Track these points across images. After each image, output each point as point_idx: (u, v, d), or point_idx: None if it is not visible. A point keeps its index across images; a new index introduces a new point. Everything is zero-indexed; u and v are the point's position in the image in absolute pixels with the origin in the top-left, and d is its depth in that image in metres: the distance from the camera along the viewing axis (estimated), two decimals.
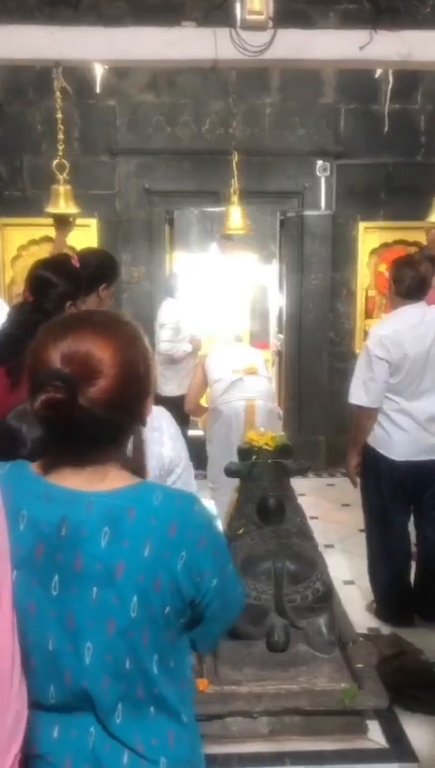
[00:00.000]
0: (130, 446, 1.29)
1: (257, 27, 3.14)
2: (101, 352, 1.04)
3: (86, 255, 2.93)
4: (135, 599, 1.03)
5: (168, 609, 1.06)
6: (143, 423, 1.17)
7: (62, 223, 3.31)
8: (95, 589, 1.03)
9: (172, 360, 5.40)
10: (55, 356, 1.03)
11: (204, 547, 1.08)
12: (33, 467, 1.11)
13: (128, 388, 1.06)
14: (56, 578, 1.03)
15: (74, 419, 1.01)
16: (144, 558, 1.03)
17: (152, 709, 1.09)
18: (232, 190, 4.31)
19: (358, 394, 3.32)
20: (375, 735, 2.61)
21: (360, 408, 3.34)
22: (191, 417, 5.70)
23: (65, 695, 1.05)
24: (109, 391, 1.03)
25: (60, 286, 2.45)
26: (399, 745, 2.57)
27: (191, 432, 5.56)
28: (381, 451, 3.35)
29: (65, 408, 0.99)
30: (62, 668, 1.04)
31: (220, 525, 3.60)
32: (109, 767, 1.06)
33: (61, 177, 3.28)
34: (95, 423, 1.03)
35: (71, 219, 3.34)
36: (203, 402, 4.68)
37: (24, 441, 1.23)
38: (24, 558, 1.03)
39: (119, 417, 1.06)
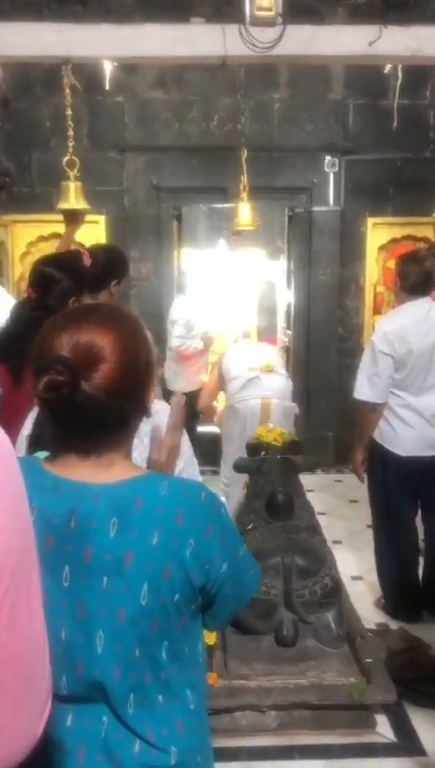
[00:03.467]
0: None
1: (266, 23, 3.13)
2: (101, 340, 1.07)
3: (96, 252, 2.94)
4: (145, 587, 1.05)
5: (177, 596, 1.08)
6: (147, 413, 1.19)
7: (72, 219, 3.32)
8: (105, 578, 1.05)
9: (184, 357, 5.41)
10: (58, 345, 1.06)
11: (211, 534, 1.10)
12: (42, 461, 1.13)
13: (130, 374, 1.09)
14: (67, 569, 1.05)
15: (76, 403, 1.03)
16: (152, 547, 1.05)
17: (160, 697, 1.10)
18: (241, 186, 4.31)
19: (363, 389, 3.32)
20: (383, 730, 2.62)
21: (365, 403, 3.34)
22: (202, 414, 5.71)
23: (78, 685, 1.06)
24: (111, 378, 1.06)
25: (63, 282, 2.46)
26: (407, 740, 2.59)
27: (201, 429, 5.59)
28: (387, 446, 3.35)
29: (67, 391, 1.02)
30: (75, 658, 1.06)
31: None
32: (120, 756, 1.07)
33: (72, 173, 3.29)
34: (99, 409, 1.06)
35: (80, 216, 3.35)
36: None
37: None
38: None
39: (122, 403, 1.09)
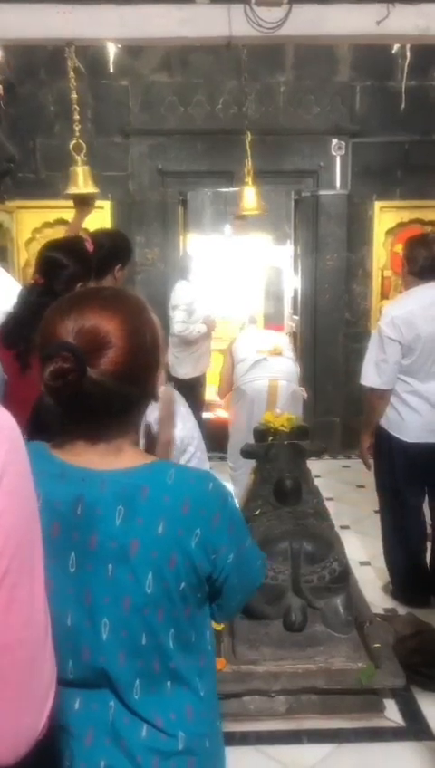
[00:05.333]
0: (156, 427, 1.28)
1: (272, 3, 3.08)
2: (107, 324, 1.05)
3: (99, 236, 2.91)
4: (150, 575, 1.04)
5: (183, 585, 1.07)
6: (155, 398, 1.18)
7: (83, 203, 3.27)
8: (110, 566, 1.04)
9: (187, 342, 5.39)
10: (63, 331, 1.04)
11: (218, 524, 1.09)
12: (49, 447, 1.12)
13: (136, 359, 1.07)
14: (73, 555, 1.05)
15: (83, 390, 1.02)
16: (158, 535, 1.04)
17: (169, 683, 1.10)
18: (245, 170, 4.27)
19: (370, 375, 3.30)
20: (392, 714, 2.63)
21: (372, 389, 3.32)
22: (206, 400, 5.71)
23: (83, 671, 1.07)
24: (118, 363, 1.04)
25: (70, 267, 2.43)
26: (415, 724, 2.59)
27: (206, 415, 5.58)
28: (393, 433, 3.33)
29: (74, 378, 1.01)
30: (80, 644, 1.06)
31: (237, 505, 3.62)
32: (128, 740, 1.07)
33: (78, 158, 3.25)
34: (106, 395, 1.04)
35: (91, 200, 3.31)
36: None
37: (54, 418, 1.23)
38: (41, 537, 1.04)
39: (129, 388, 1.07)
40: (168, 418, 1.57)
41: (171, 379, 5.38)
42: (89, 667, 1.06)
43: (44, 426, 1.18)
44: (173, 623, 1.08)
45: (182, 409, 1.68)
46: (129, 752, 1.07)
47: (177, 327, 5.27)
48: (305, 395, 4.48)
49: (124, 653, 1.06)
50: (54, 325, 1.06)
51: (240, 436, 3.95)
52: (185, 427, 1.65)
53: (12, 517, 0.72)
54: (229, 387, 4.45)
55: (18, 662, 0.73)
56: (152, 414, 1.49)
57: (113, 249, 2.88)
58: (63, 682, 1.07)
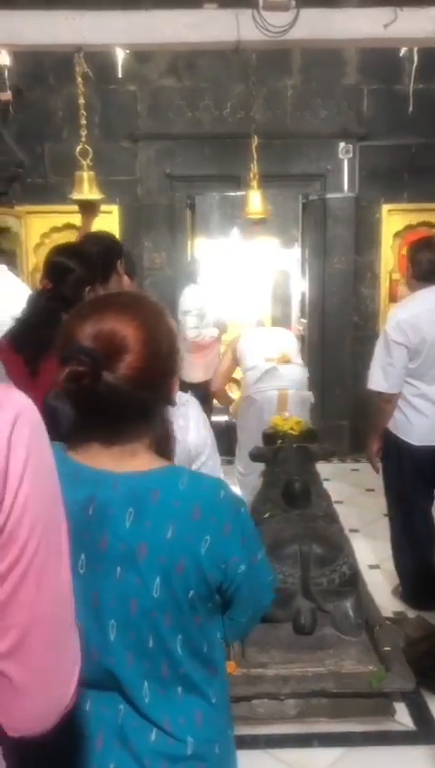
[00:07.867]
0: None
1: (280, 7, 3.10)
2: (124, 329, 1.06)
3: (87, 244, 2.86)
4: (157, 580, 1.04)
5: (192, 593, 1.06)
6: (171, 402, 1.18)
7: (88, 209, 3.30)
8: (119, 568, 1.05)
9: (199, 347, 5.40)
10: (81, 335, 1.05)
11: (229, 533, 1.08)
12: (64, 448, 1.13)
13: (153, 364, 1.07)
14: (83, 556, 1.05)
15: (97, 393, 1.02)
16: (166, 540, 1.04)
17: (179, 689, 1.10)
18: (251, 174, 4.28)
19: (377, 379, 3.29)
20: (402, 718, 2.62)
21: (379, 394, 3.32)
22: (215, 404, 5.72)
23: (93, 671, 1.06)
24: (135, 367, 1.05)
25: (77, 271, 2.44)
26: (426, 727, 2.58)
27: (215, 418, 5.57)
28: (401, 436, 3.33)
29: (88, 382, 1.01)
30: (89, 645, 1.05)
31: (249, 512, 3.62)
32: (136, 744, 1.07)
33: (84, 162, 3.28)
34: (121, 400, 1.05)
35: (96, 206, 3.33)
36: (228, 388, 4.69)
37: (61, 420, 1.25)
38: None
39: (145, 393, 1.07)
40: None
41: (183, 383, 5.39)
42: (98, 667, 1.07)
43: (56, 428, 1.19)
44: (181, 630, 1.08)
45: (197, 415, 1.67)
46: (137, 756, 1.07)
47: (190, 333, 5.27)
48: (313, 399, 4.49)
49: (131, 654, 1.07)
50: (73, 328, 1.07)
51: (250, 443, 3.95)
52: (199, 435, 1.64)
53: (38, 499, 0.74)
54: (225, 382, 4.47)
55: (46, 638, 0.76)
56: (176, 422, 1.50)
57: (105, 253, 2.85)
58: None
